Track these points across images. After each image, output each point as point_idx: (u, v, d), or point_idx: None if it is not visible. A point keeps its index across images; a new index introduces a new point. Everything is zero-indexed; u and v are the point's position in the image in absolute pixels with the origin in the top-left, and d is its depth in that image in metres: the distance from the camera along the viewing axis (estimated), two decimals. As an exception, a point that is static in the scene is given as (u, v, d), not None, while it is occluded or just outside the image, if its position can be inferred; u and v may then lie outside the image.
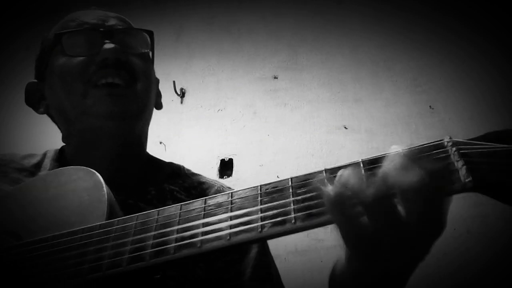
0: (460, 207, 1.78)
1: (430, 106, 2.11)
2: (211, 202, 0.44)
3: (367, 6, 2.48)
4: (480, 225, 1.72)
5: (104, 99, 0.64)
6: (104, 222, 0.48)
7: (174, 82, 2.50)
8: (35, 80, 0.75)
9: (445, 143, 0.39)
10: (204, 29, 2.74)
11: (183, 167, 0.82)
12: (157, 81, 0.83)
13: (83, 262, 0.44)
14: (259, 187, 0.44)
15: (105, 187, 0.54)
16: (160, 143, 2.25)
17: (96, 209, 0.51)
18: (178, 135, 2.33)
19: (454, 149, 0.38)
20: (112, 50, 0.65)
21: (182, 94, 2.51)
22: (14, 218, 0.55)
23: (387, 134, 2.08)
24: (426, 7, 2.37)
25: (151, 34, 0.76)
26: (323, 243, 1.82)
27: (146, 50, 0.74)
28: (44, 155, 0.76)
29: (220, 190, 0.77)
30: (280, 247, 1.83)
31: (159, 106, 0.81)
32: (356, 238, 0.39)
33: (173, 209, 0.46)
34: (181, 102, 2.48)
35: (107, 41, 0.66)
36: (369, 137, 2.09)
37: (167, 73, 2.58)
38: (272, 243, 2.04)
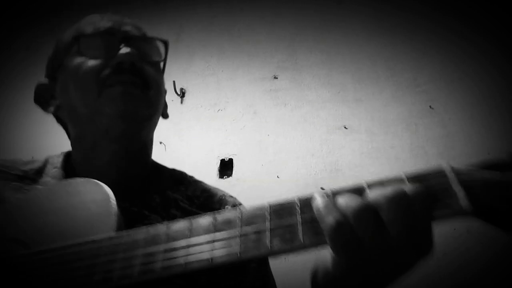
0: (460, 207, 1.78)
1: (430, 106, 2.11)
2: (219, 218, 0.45)
3: (367, 6, 2.48)
4: (480, 225, 1.71)
5: (117, 98, 0.65)
6: (114, 234, 0.48)
7: (174, 82, 2.50)
8: (46, 80, 0.75)
9: (445, 170, 0.40)
10: (204, 29, 2.74)
11: (186, 174, 0.83)
12: (165, 92, 0.84)
13: (94, 272, 0.44)
14: (267, 206, 0.44)
15: (113, 200, 0.54)
16: (160, 143, 2.25)
17: (104, 221, 0.52)
18: (178, 135, 2.33)
19: (453, 175, 0.39)
20: (128, 54, 0.66)
21: (182, 94, 2.51)
22: (21, 228, 0.55)
23: (387, 134, 2.08)
24: (426, 7, 2.37)
25: (166, 43, 0.77)
26: (323, 243, 1.82)
27: (159, 59, 0.75)
28: (46, 161, 0.77)
29: (222, 198, 0.79)
30: (280, 247, 1.83)
31: (165, 116, 0.83)
32: (349, 255, 0.39)
33: (183, 224, 0.46)
34: (181, 102, 2.49)
35: (123, 45, 0.67)
36: (369, 137, 2.09)
37: (167, 73, 2.58)
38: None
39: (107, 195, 0.55)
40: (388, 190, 0.39)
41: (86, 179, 0.59)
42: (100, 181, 0.68)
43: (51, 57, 0.76)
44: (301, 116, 2.25)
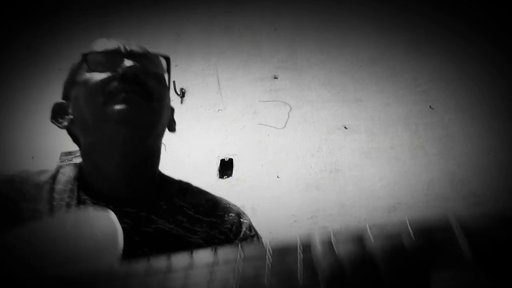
0: (460, 207, 1.78)
1: (430, 106, 2.11)
2: (220, 252, 0.45)
3: (367, 6, 2.49)
4: (480, 225, 1.72)
5: (121, 106, 0.69)
6: (116, 264, 0.50)
7: (174, 82, 2.50)
8: (62, 100, 0.81)
9: (451, 222, 0.40)
10: (204, 29, 2.75)
11: (191, 184, 0.87)
12: (172, 110, 0.89)
13: None
14: (269, 244, 0.45)
15: (120, 231, 0.56)
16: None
17: (109, 252, 0.54)
18: (178, 135, 2.32)
19: (459, 227, 0.39)
20: (131, 67, 0.71)
21: (182, 94, 2.51)
22: (31, 251, 0.58)
23: (387, 134, 2.08)
24: (426, 7, 2.37)
25: (167, 59, 0.81)
26: (323, 243, 1.82)
27: (162, 72, 0.79)
28: (57, 170, 0.80)
29: (226, 206, 0.81)
30: (280, 247, 1.83)
31: (172, 129, 0.88)
32: None
33: (182, 256, 0.46)
34: (181, 102, 2.49)
35: (127, 60, 0.73)
36: (369, 137, 2.09)
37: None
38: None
39: (115, 226, 0.57)
40: (388, 244, 0.40)
41: (97, 208, 0.62)
42: (110, 187, 0.73)
43: (66, 80, 0.82)
44: (301, 116, 2.25)
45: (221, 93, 2.47)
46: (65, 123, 0.80)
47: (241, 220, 0.80)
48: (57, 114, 0.81)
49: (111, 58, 0.74)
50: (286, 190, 2.01)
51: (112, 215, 0.59)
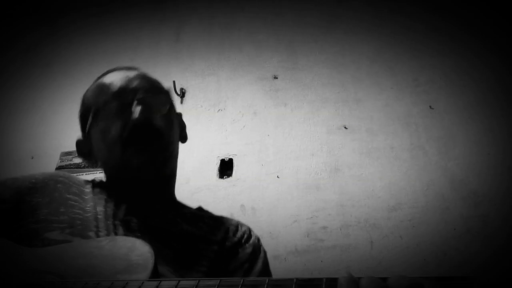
0: (460, 207, 1.78)
1: (430, 106, 2.11)
2: (248, 282, 0.47)
3: (367, 6, 2.49)
4: (480, 225, 1.72)
5: (136, 154, 0.79)
6: (146, 279, 0.53)
7: (174, 82, 2.50)
8: (81, 136, 0.89)
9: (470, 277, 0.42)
10: (204, 29, 2.75)
11: (207, 210, 0.94)
12: (180, 115, 0.97)
13: None
14: (295, 280, 0.47)
15: (153, 258, 0.60)
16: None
17: (140, 272, 0.58)
18: (178, 135, 2.32)
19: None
20: (141, 117, 0.78)
21: (182, 94, 2.51)
22: (65, 264, 0.62)
23: (387, 134, 2.08)
24: (426, 7, 2.37)
25: (167, 93, 0.89)
26: (323, 243, 1.82)
27: (165, 110, 0.86)
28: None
29: (239, 222, 0.90)
30: (280, 247, 1.83)
31: (183, 140, 0.98)
32: None
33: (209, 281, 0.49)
34: (181, 102, 2.49)
35: (135, 103, 0.80)
36: (369, 137, 2.09)
37: (167, 73, 2.58)
38: (272, 243, 2.03)
39: (150, 256, 0.60)
40: (407, 280, 0.42)
41: (135, 238, 0.66)
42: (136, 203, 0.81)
43: (80, 115, 0.89)
44: (301, 116, 2.25)
45: (221, 93, 2.47)
46: (93, 163, 0.90)
47: (251, 233, 0.90)
48: (82, 151, 0.90)
49: (119, 106, 0.81)
50: (286, 190, 2.01)
51: (145, 243, 0.63)
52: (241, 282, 0.46)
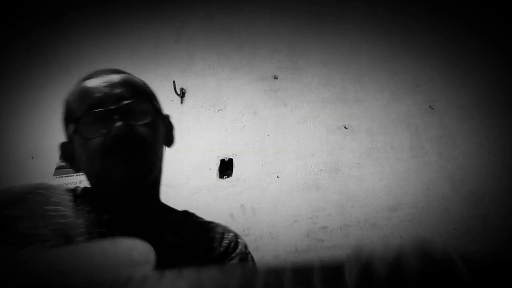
0: (460, 207, 1.78)
1: (430, 106, 2.11)
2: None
3: (367, 6, 2.49)
4: (480, 225, 1.72)
5: (118, 166, 0.76)
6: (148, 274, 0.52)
7: (174, 82, 2.50)
8: (65, 141, 0.87)
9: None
10: (204, 29, 2.75)
11: (194, 214, 0.92)
12: (167, 117, 0.93)
13: None
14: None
15: (153, 255, 0.60)
16: (160, 143, 2.24)
17: (142, 268, 0.58)
18: (178, 135, 2.32)
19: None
20: (121, 127, 0.76)
21: (182, 94, 2.51)
22: (68, 264, 0.62)
23: (387, 134, 2.08)
24: (426, 7, 2.37)
25: (150, 99, 0.85)
26: (323, 243, 1.82)
27: (149, 120, 0.82)
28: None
29: (225, 228, 0.88)
30: (280, 247, 1.83)
31: (169, 143, 0.93)
32: None
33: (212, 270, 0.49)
34: (181, 102, 2.49)
35: (116, 117, 0.77)
36: (369, 137, 2.09)
37: (167, 73, 2.58)
38: (272, 243, 2.03)
39: (151, 250, 0.60)
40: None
41: (135, 240, 0.66)
42: (119, 211, 0.79)
43: (64, 119, 0.86)
44: (301, 116, 2.25)
45: (221, 93, 2.47)
46: (76, 169, 0.87)
47: (238, 240, 0.87)
48: (67, 155, 0.87)
49: (100, 118, 0.78)
50: (286, 190, 2.01)
51: (146, 244, 0.63)
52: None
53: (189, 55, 2.66)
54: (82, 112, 0.79)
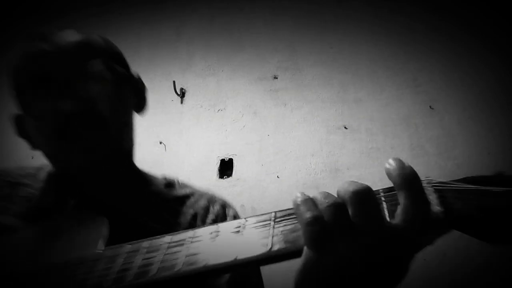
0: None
1: (430, 106, 2.11)
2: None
3: (367, 6, 2.48)
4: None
5: (78, 155, 0.65)
6: (99, 250, 0.48)
7: (174, 82, 2.50)
8: (19, 113, 0.73)
9: (422, 182, 0.40)
10: (204, 29, 2.74)
11: (177, 181, 0.83)
12: (136, 78, 0.78)
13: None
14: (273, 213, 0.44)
15: (106, 227, 0.55)
16: (160, 143, 2.24)
17: (93, 242, 0.53)
18: (178, 135, 2.33)
19: (429, 185, 0.40)
20: (73, 103, 0.62)
21: (182, 94, 2.51)
22: (18, 254, 0.57)
23: (387, 134, 2.08)
24: (426, 7, 2.37)
25: (104, 56, 0.68)
26: (323, 243, 1.82)
27: (110, 86, 0.67)
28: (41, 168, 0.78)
29: (211, 199, 0.78)
30: (280, 247, 1.83)
31: (140, 109, 0.78)
32: (318, 248, 0.37)
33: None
34: (181, 102, 2.49)
35: (66, 90, 0.62)
36: (369, 137, 2.09)
37: (167, 73, 2.58)
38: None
39: (105, 230, 0.55)
40: (352, 185, 0.40)
41: (88, 212, 0.61)
42: (88, 192, 0.70)
43: (12, 87, 0.72)
44: (301, 116, 2.25)
45: (221, 93, 2.47)
46: (35, 147, 0.74)
47: (226, 211, 0.77)
48: (22, 132, 0.74)
49: (42, 96, 0.63)
50: (286, 190, 2.01)
51: (101, 217, 0.58)
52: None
53: (189, 55, 2.66)
54: (24, 84, 0.66)
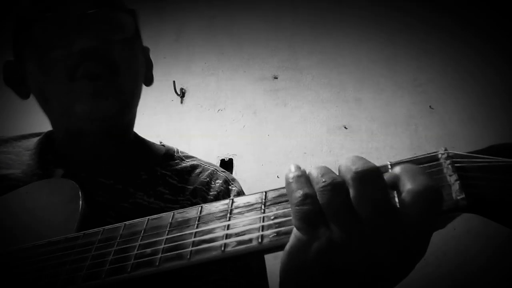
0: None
1: (430, 106, 2.11)
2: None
3: (367, 6, 2.49)
4: (480, 225, 1.72)
5: (85, 98, 0.59)
6: (70, 235, 0.45)
7: (174, 82, 2.50)
8: (12, 59, 0.69)
9: (439, 156, 0.34)
10: (204, 29, 2.74)
11: (177, 150, 0.78)
12: (147, 50, 0.75)
13: (41, 277, 0.42)
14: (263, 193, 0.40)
15: (81, 202, 0.52)
16: (160, 143, 2.24)
17: (68, 223, 0.50)
18: (178, 135, 2.33)
19: (448, 162, 0.33)
20: (90, 39, 0.58)
21: (182, 94, 2.51)
22: None
23: (387, 134, 2.08)
24: (426, 7, 2.37)
25: (132, 13, 0.66)
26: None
27: (127, 35, 0.63)
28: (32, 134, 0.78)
29: (213, 172, 0.73)
30: (280, 247, 1.83)
31: (148, 82, 0.74)
32: (308, 232, 0.34)
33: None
34: (181, 102, 2.49)
35: (83, 25, 0.58)
36: (369, 137, 2.09)
37: (167, 73, 2.58)
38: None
39: (77, 196, 0.53)
40: (356, 163, 0.34)
41: (60, 179, 0.57)
42: (82, 159, 0.66)
43: (13, 33, 0.68)
44: (301, 116, 2.25)
45: (221, 93, 2.47)
46: (24, 96, 0.70)
47: (230, 187, 0.71)
48: (13, 78, 0.68)
49: (62, 28, 0.58)
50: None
51: (72, 182, 0.55)
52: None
53: (189, 55, 2.66)
54: (36, 13, 0.60)
